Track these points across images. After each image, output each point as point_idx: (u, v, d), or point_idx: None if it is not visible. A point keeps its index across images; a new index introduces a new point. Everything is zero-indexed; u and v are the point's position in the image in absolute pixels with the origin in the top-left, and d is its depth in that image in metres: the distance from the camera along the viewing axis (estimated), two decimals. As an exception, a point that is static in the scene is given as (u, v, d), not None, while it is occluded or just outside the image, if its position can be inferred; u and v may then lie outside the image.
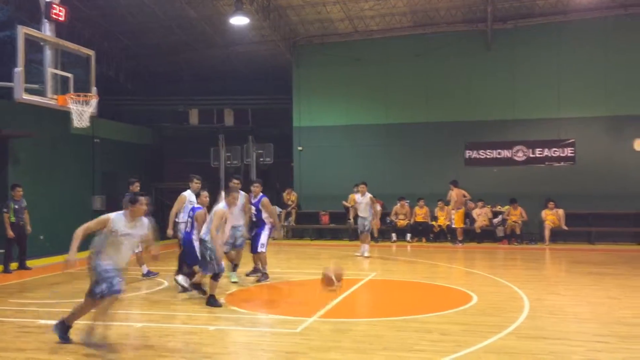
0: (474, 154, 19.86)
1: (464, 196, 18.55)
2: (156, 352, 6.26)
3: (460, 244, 17.91)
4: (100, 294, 6.27)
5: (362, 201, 14.98)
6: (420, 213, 19.11)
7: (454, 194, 18.34)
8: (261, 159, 21.37)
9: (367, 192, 14.91)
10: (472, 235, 18.57)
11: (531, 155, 19.42)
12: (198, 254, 9.17)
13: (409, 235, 18.98)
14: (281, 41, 20.49)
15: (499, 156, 19.66)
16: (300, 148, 21.12)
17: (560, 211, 18.08)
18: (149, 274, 11.32)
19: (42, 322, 7.63)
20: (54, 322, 6.83)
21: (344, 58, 20.70)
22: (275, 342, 6.81)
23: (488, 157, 19.77)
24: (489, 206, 18.73)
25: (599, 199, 18.16)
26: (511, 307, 8.48)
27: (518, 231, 18.18)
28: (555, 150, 19.25)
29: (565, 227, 18.01)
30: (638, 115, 18.36)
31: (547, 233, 17.95)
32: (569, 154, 19.12)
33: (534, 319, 7.73)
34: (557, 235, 18.09)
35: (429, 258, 15.00)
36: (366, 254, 14.76)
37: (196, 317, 8.03)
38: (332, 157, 20.72)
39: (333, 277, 7.92)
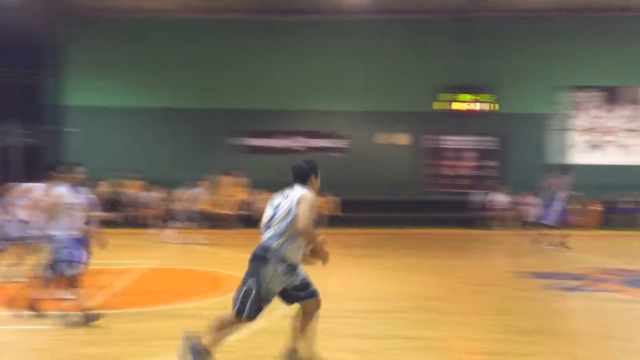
0: (256, 142, 20.35)
1: (239, 185, 18.91)
2: None
3: (238, 230, 18.25)
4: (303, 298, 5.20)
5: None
6: (203, 200, 19.00)
7: (225, 181, 18.66)
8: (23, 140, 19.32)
9: None
10: (254, 222, 18.95)
11: (310, 145, 20.47)
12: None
13: (190, 223, 18.79)
14: (48, 12, 18.69)
15: (280, 145, 20.38)
16: (76, 130, 19.63)
17: (335, 198, 19.34)
18: None
19: None
20: None
21: (122, 37, 19.68)
22: (35, 340, 6.26)
23: (270, 145, 20.39)
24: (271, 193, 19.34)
25: (368, 187, 19.80)
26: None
27: (297, 217, 19.07)
28: (332, 141, 20.55)
29: (340, 214, 19.32)
30: (400, 111, 20.41)
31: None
32: (344, 145, 20.54)
33: (305, 300, 8.13)
34: (334, 221, 19.28)
35: (210, 244, 15.02)
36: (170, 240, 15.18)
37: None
38: (106, 140, 19.60)
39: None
